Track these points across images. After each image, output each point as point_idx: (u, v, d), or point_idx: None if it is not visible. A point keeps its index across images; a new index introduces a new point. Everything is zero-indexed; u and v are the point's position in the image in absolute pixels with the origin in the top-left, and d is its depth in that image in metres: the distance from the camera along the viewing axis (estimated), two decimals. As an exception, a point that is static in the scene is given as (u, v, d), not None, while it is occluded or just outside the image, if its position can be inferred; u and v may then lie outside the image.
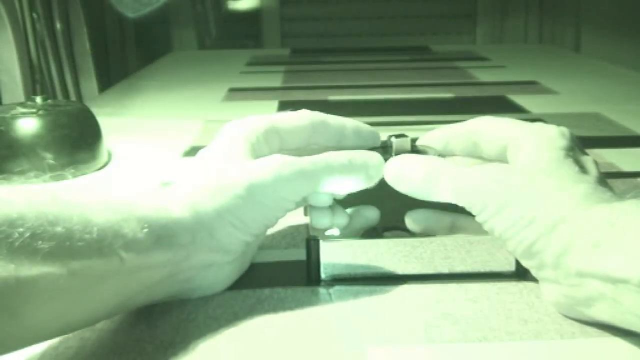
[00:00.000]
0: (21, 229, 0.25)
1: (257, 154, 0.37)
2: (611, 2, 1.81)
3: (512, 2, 2.21)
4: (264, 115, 0.40)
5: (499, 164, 0.35)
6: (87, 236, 0.27)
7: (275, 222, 0.36)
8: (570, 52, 1.71)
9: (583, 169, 0.34)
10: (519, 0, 2.20)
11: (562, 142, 0.35)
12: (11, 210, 0.26)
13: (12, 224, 0.25)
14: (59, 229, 0.26)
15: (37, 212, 0.26)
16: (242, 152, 0.36)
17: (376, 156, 0.37)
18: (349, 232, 0.38)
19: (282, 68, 1.18)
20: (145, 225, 0.30)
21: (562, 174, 0.33)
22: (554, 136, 0.35)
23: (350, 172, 0.36)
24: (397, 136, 0.39)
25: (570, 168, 0.33)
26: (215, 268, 0.34)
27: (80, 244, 0.27)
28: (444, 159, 0.37)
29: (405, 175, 0.36)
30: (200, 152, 0.38)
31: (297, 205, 0.36)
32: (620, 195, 0.33)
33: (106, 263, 0.28)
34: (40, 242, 0.26)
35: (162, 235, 0.31)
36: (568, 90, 0.93)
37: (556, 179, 0.33)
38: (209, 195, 0.34)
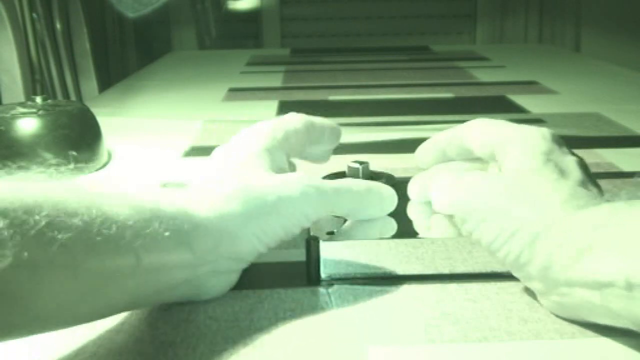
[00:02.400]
0: (37, 217, 0.25)
1: (274, 161, 0.37)
2: (611, 2, 1.81)
3: (512, 2, 2.21)
4: (274, 121, 0.40)
5: (480, 175, 0.35)
6: (105, 231, 0.27)
7: (290, 238, 0.36)
8: (570, 52, 1.71)
9: (564, 173, 0.34)
10: (519, 0, 2.20)
11: (543, 146, 0.35)
12: (28, 197, 0.25)
13: (28, 211, 0.25)
14: (76, 220, 0.26)
15: (55, 202, 0.26)
16: (264, 162, 0.37)
17: (389, 189, 0.39)
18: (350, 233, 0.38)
19: (282, 68, 1.18)
20: (169, 227, 0.30)
21: (540, 182, 0.33)
22: (534, 141, 0.35)
23: (367, 201, 0.38)
24: (361, 163, 0.42)
25: (550, 174, 0.33)
26: (226, 274, 0.34)
27: (98, 238, 0.27)
28: (433, 170, 0.40)
29: (410, 194, 0.42)
30: (217, 155, 0.38)
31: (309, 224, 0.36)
32: (601, 196, 0.33)
33: (122, 261, 0.28)
34: (56, 232, 0.25)
35: (184, 239, 0.31)
36: (568, 90, 0.93)
37: (534, 189, 0.33)
38: (239, 203, 0.33)
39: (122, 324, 0.33)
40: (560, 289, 0.30)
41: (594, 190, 0.33)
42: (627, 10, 1.69)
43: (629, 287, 0.27)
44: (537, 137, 0.36)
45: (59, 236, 0.25)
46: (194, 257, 0.31)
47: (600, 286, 0.28)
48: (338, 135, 0.42)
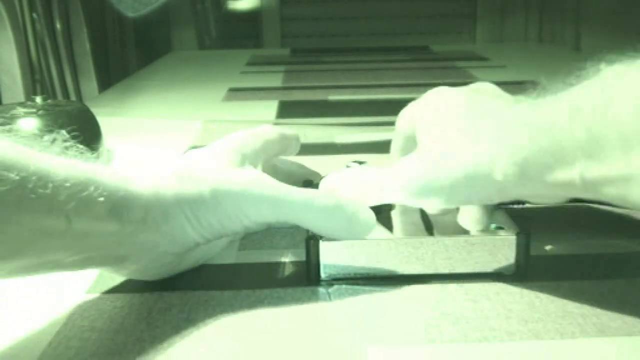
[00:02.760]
0: None
1: (246, 162, 0.37)
2: (611, 2, 1.81)
3: (512, 2, 2.21)
4: (254, 131, 0.41)
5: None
6: (40, 190, 0.27)
7: (232, 236, 0.35)
8: (570, 52, 1.71)
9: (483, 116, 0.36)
10: (519, 0, 2.20)
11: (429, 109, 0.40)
12: None
13: None
14: (12, 175, 0.26)
15: None
16: (229, 160, 0.36)
17: (367, 212, 0.36)
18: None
19: (282, 68, 1.18)
20: (103, 193, 0.30)
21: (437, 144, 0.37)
22: (424, 110, 0.40)
23: (332, 220, 0.35)
24: (359, 162, 0.43)
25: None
26: (156, 253, 0.34)
27: (32, 195, 0.27)
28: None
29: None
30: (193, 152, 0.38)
31: (260, 228, 0.36)
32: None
33: (53, 221, 0.28)
34: None
35: (116, 206, 0.31)
36: (568, 90, 0.93)
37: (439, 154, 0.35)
38: (175, 182, 0.34)
39: (122, 323, 0.33)
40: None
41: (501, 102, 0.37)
42: (627, 10, 1.69)
43: (585, 184, 0.28)
44: (427, 104, 0.41)
45: None
46: (122, 226, 0.31)
47: (561, 188, 0.29)
48: (298, 144, 0.44)
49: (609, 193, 0.27)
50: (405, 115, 0.43)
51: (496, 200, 0.35)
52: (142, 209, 0.32)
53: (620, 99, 0.26)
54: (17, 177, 0.26)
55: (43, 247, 0.29)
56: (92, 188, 0.30)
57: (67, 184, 0.29)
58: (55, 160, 0.30)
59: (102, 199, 0.30)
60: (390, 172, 0.37)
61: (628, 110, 0.25)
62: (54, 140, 0.31)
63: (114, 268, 0.35)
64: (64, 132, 0.32)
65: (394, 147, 0.45)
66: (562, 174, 0.28)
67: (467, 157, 0.33)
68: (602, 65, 0.28)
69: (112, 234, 0.31)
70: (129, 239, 0.32)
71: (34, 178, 0.27)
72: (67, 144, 0.31)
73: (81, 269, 0.33)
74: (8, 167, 0.26)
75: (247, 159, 0.37)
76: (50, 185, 0.28)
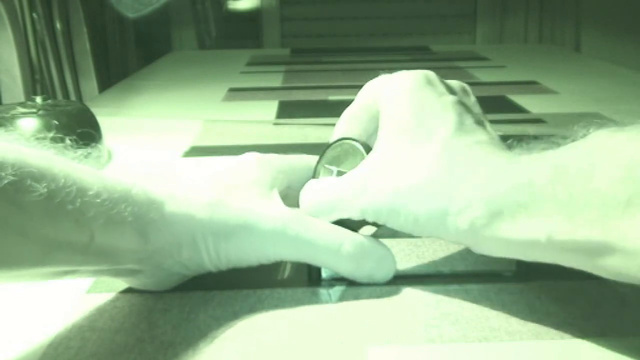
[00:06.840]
0: (2, 174, 0.24)
1: (276, 184, 0.37)
2: (611, 2, 1.81)
3: (512, 2, 2.21)
4: (280, 156, 0.39)
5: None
6: (69, 206, 0.27)
7: (245, 267, 0.35)
8: (570, 52, 1.71)
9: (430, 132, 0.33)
10: (519, 0, 2.20)
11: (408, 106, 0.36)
12: None
13: None
14: (41, 186, 0.26)
15: (24, 164, 0.26)
16: (267, 183, 0.35)
17: (390, 257, 0.35)
18: None
19: (282, 68, 1.18)
20: (134, 213, 0.30)
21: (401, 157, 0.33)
22: (395, 100, 0.37)
23: (357, 266, 0.35)
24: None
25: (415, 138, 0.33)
26: (169, 272, 0.34)
27: (59, 209, 0.27)
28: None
29: None
30: (242, 158, 0.37)
31: (274, 262, 0.35)
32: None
33: (76, 236, 0.28)
34: (19, 193, 0.25)
35: (145, 227, 0.31)
36: (568, 90, 0.93)
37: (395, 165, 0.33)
38: (207, 213, 0.33)
39: (122, 323, 0.33)
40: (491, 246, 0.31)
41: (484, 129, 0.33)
42: (627, 10, 1.69)
43: (552, 244, 0.27)
44: (398, 92, 0.37)
45: (20, 198, 0.25)
46: (146, 246, 0.31)
47: (523, 246, 0.29)
48: None
49: (577, 258, 0.27)
50: (372, 87, 0.39)
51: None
52: (170, 234, 0.32)
53: (605, 166, 0.25)
54: (46, 190, 0.26)
55: (64, 259, 0.28)
56: (122, 206, 0.29)
57: (98, 200, 0.28)
58: (89, 173, 0.29)
59: (131, 218, 0.30)
60: (352, 186, 0.35)
61: (612, 179, 0.24)
62: (87, 155, 0.31)
63: (127, 279, 0.35)
64: (99, 146, 0.31)
65: (354, 118, 0.41)
66: (529, 232, 0.28)
67: (433, 191, 0.31)
68: (591, 130, 0.27)
69: (134, 251, 0.31)
70: (149, 257, 0.32)
71: (64, 191, 0.27)
72: (100, 155, 0.31)
73: (95, 276, 0.33)
74: (38, 178, 0.26)
75: (278, 183, 0.36)
76: (79, 201, 0.27)
